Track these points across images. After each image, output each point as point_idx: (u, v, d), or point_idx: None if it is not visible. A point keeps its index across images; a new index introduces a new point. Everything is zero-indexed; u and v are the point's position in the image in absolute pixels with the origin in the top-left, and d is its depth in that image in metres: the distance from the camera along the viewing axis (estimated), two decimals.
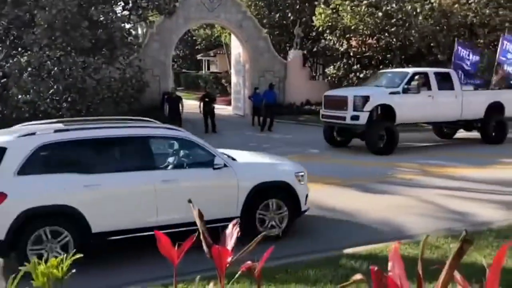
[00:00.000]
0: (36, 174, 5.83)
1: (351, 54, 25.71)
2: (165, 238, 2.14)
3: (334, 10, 25.00)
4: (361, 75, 23.95)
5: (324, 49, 27.32)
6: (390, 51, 24.54)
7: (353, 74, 24.55)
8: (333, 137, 15.71)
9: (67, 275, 2.20)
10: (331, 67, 25.95)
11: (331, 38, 26.18)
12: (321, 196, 9.28)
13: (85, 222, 5.87)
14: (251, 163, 7.50)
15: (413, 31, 22.91)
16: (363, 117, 14.17)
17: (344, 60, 25.75)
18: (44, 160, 6.03)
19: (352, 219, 8.09)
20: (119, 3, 21.06)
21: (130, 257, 6.42)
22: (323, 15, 25.11)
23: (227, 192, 6.75)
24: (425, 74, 15.47)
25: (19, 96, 16.72)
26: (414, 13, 23.16)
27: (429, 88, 15.08)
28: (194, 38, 47.59)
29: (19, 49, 18.59)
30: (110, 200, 6.09)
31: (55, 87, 16.79)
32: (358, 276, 1.88)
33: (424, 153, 14.91)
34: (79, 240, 5.84)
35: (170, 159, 6.91)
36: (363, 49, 25.65)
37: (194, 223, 6.11)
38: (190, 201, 2.21)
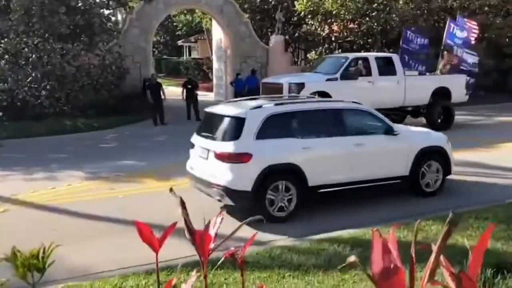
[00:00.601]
0: (267, 139, 7.14)
1: (333, 39, 25.72)
2: (145, 227, 2.11)
3: None
4: None
5: (306, 34, 27.25)
6: (372, 36, 24.61)
7: None
8: None
9: (48, 265, 2.16)
10: (313, 52, 25.96)
11: (312, 23, 26.13)
12: None
13: (304, 177, 7.20)
14: (415, 131, 9.02)
15: (394, 16, 23.00)
16: None
17: (326, 45, 25.77)
18: (271, 127, 7.24)
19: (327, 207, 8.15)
20: None
21: (111, 245, 6.38)
22: (305, 0, 25.01)
23: (401, 154, 8.10)
24: (366, 59, 15.12)
25: None
26: None
27: (370, 74, 14.76)
28: (174, 24, 47.06)
29: None
30: (319, 160, 7.39)
31: (33, 74, 16.50)
32: (352, 259, 1.90)
33: None
34: (300, 193, 7.20)
35: (359, 128, 8.13)
36: (345, 33, 25.67)
37: (378, 180, 7.84)
38: (171, 189, 2.19)
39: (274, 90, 14.08)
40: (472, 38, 18.15)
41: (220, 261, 2.24)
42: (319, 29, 26.14)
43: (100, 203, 8.32)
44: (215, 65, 27.70)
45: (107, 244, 6.43)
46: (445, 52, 17.74)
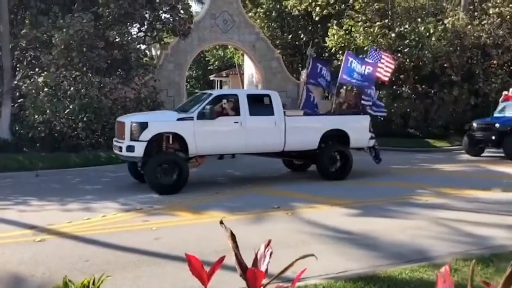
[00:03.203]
0: None
1: None
2: (195, 259, 2.12)
3: (346, 31, 25.15)
4: None
5: (337, 69, 27.31)
6: (404, 72, 24.54)
7: None
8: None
9: None
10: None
11: (343, 58, 26.23)
12: (334, 217, 9.29)
13: None
14: None
15: (426, 52, 22.93)
16: (139, 148, 11.63)
17: None
18: None
19: (368, 241, 8.00)
20: (134, 25, 21.37)
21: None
22: (335, 36, 25.26)
23: None
24: (234, 97, 13.12)
25: (36, 116, 16.93)
26: (427, 34, 23.25)
27: (238, 113, 12.64)
28: (207, 58, 47.94)
29: (36, 69, 18.91)
30: None
31: (71, 106, 16.99)
32: None
33: (432, 173, 14.77)
34: None
35: None
36: None
37: None
38: (221, 222, 2.20)
39: (121, 130, 12.30)
40: (386, 74, 15.90)
41: None
42: None
43: (134, 235, 8.38)
44: None
45: (140, 276, 6.44)
46: (342, 90, 15.60)
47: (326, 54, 28.26)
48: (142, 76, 20.14)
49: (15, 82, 17.83)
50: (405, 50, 23.60)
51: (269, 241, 1.99)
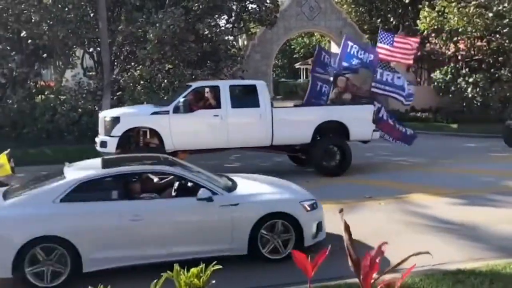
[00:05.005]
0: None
1: (459, 57, 24.48)
2: (299, 254, 2.18)
3: (439, 13, 23.97)
4: (470, 80, 22.69)
5: (429, 53, 26.28)
6: (503, 54, 23.00)
7: (461, 78, 23.30)
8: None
9: (207, 285, 2.30)
10: (437, 72, 24.84)
11: (436, 41, 25.13)
12: (437, 208, 9.05)
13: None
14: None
15: None
16: (112, 144, 11.24)
17: (452, 64, 24.56)
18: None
19: (468, 232, 7.66)
20: (222, 17, 21.80)
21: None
22: (427, 18, 24.14)
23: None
24: (215, 88, 12.05)
25: None
26: None
27: (219, 106, 11.76)
28: (292, 47, 47.87)
29: (133, 63, 19.89)
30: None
31: (165, 98, 17.72)
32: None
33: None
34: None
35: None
36: (472, 52, 24.32)
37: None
38: (341, 210, 2.23)
39: (100, 123, 12.04)
40: (405, 57, 14.47)
41: None
42: (443, 47, 25.05)
43: None
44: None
45: (237, 264, 6.58)
46: (342, 78, 13.80)
47: (418, 38, 27.19)
48: (230, 67, 20.54)
49: (114, 76, 18.86)
50: (504, 30, 22.05)
51: (384, 243, 1.97)
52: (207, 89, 12.15)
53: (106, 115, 11.85)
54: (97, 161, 7.20)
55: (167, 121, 11.38)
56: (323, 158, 12.37)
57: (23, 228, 5.76)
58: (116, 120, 11.37)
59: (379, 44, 14.57)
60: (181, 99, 11.53)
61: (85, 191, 6.15)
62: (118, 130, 11.25)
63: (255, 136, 11.98)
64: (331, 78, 14.12)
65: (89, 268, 5.89)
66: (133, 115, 11.79)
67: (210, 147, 12.20)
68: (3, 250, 5.67)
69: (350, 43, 13.97)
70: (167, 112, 11.43)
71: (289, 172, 12.48)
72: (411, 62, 15.74)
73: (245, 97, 12.33)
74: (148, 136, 11.62)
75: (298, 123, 12.26)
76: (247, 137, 11.96)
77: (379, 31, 15.49)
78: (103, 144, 11.43)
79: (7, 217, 5.87)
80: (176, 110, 11.38)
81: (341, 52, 13.94)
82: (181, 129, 11.43)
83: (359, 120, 12.56)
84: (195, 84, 12.51)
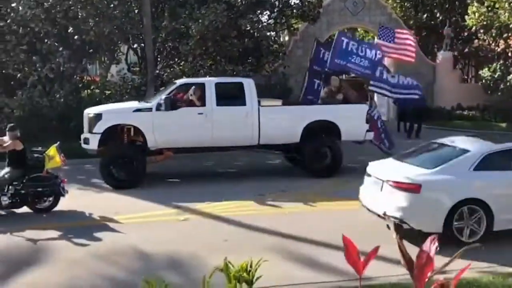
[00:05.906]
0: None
1: (510, 54, 23.60)
2: (353, 246, 2.09)
3: (489, 8, 23.17)
4: None
5: (477, 49, 25.48)
6: None
7: (511, 76, 22.47)
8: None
9: (255, 279, 2.25)
10: (486, 69, 24.03)
11: (485, 38, 24.31)
12: None
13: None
14: None
15: None
16: (93, 141, 11.23)
17: (501, 61, 23.69)
18: None
19: None
20: (264, 12, 21.70)
21: None
22: (476, 14, 23.36)
23: None
24: (201, 86, 11.84)
25: None
26: None
27: (204, 103, 11.57)
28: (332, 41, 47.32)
29: (175, 59, 20.08)
30: None
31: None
32: None
33: None
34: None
35: None
36: None
37: None
38: (385, 213, 2.14)
39: (84, 120, 11.87)
40: (406, 53, 14.15)
41: None
42: (493, 44, 24.22)
43: (268, 218, 8.63)
44: None
45: (276, 258, 6.57)
46: (334, 77, 13.31)
47: (465, 33, 26.42)
48: (272, 63, 20.45)
49: (157, 71, 19.09)
50: None
51: (434, 237, 1.88)
52: (192, 87, 11.92)
53: (89, 112, 11.81)
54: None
55: (149, 119, 11.31)
56: (313, 159, 12.05)
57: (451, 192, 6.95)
58: (98, 117, 11.37)
59: (378, 41, 14.16)
60: (163, 96, 11.47)
61: (489, 162, 7.19)
62: (100, 127, 11.23)
63: (241, 135, 11.76)
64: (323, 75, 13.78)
65: (497, 228, 6.99)
66: (115, 112, 11.74)
67: (194, 145, 12.01)
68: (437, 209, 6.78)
69: (345, 39, 13.51)
70: (149, 109, 11.37)
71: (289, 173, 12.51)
72: (413, 59, 15.43)
73: (231, 95, 12.07)
74: (132, 134, 11.59)
75: (286, 121, 12.03)
76: (232, 136, 11.74)
77: (379, 28, 15.15)
78: (86, 141, 11.49)
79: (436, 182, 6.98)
80: (159, 107, 11.26)
81: (334, 49, 13.39)
82: (164, 127, 11.31)
83: (351, 119, 12.24)
84: (180, 81, 12.45)
